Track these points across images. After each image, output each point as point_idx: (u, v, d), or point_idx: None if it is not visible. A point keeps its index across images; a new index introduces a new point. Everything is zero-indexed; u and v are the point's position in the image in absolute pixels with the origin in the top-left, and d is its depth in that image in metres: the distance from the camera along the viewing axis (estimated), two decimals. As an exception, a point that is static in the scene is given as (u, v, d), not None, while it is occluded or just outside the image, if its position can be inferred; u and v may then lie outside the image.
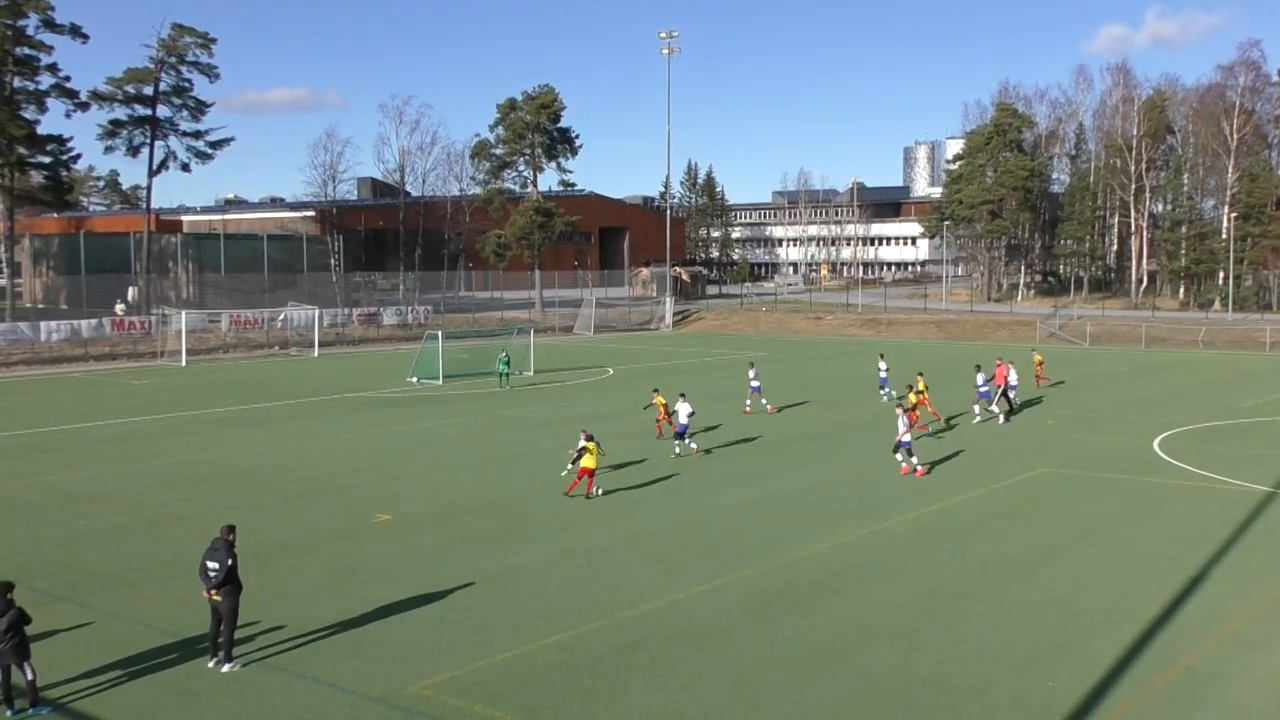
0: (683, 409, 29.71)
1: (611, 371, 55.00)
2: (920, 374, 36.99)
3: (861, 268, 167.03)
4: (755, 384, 38.63)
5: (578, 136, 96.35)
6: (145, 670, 14.66)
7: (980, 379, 37.12)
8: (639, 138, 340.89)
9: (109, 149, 77.67)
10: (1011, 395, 37.77)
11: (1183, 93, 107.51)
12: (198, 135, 78.69)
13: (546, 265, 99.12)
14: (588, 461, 24.74)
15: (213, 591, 14.52)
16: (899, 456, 27.65)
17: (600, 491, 25.15)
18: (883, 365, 42.38)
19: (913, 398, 32.43)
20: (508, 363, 47.57)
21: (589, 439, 24.90)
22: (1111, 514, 23.49)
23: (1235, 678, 14.33)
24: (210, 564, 14.58)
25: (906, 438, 27.45)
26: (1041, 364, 43.71)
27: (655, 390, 33.94)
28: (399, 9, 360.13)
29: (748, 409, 38.35)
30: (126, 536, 21.86)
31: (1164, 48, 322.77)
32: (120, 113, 75.69)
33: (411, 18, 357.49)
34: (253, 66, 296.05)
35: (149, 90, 75.38)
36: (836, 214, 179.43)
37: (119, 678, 14.42)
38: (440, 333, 53.46)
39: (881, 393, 41.87)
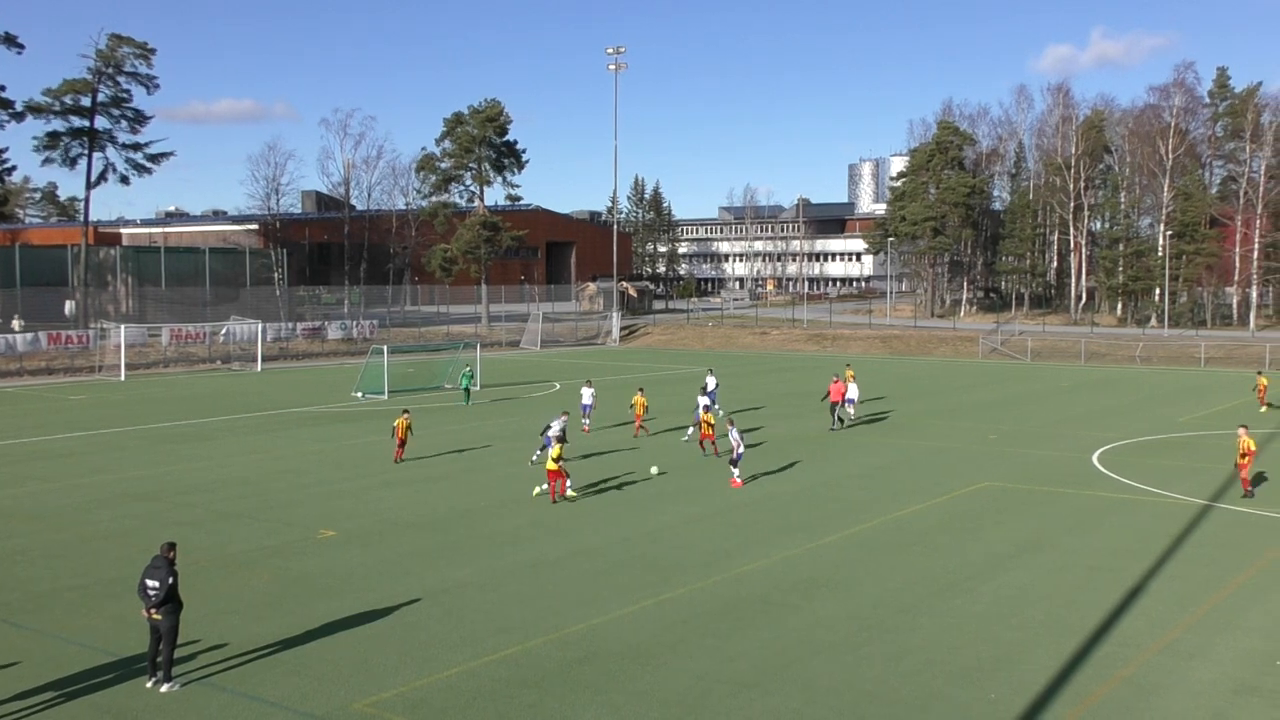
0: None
1: (559, 386, 54.86)
2: (641, 388, 38.68)
3: (807, 283, 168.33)
4: (586, 403, 38.08)
5: (524, 151, 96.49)
6: (81, 691, 14.36)
7: (703, 401, 35.88)
8: (586, 153, 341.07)
9: (46, 161, 76.42)
10: (845, 408, 39.21)
11: (1119, 113, 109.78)
12: (137, 147, 77.64)
13: (493, 280, 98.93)
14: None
15: (153, 610, 14.28)
16: (736, 471, 28.40)
17: (572, 494, 26.24)
18: (710, 380, 42.44)
19: (638, 408, 35.68)
20: (470, 377, 47.38)
21: (560, 440, 26.12)
22: (1052, 527, 23.81)
23: (1173, 688, 14.56)
24: (150, 582, 14.34)
25: (740, 450, 28.30)
26: (853, 377, 45.21)
27: (405, 411, 33.06)
28: (347, 21, 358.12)
29: (585, 428, 37.81)
30: (63, 554, 21.42)
31: (1109, 67, 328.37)
32: (57, 124, 74.64)
33: (360, 29, 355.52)
34: (200, 77, 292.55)
35: (87, 101, 74.27)
36: (782, 230, 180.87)
37: (54, 699, 14.10)
38: (385, 347, 53.09)
39: (715, 408, 41.95)
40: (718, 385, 42.26)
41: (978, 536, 22.96)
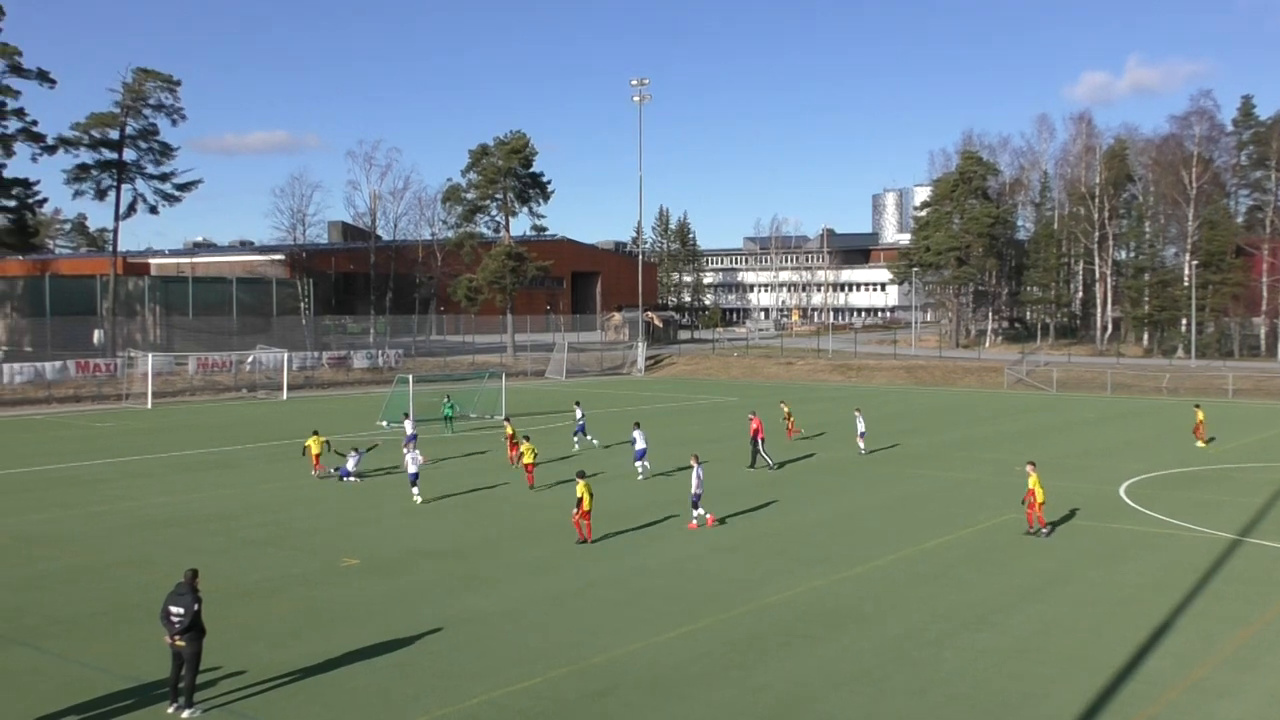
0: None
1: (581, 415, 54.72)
2: (506, 421, 38.37)
3: (832, 313, 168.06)
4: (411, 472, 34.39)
5: (550, 182, 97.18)
6: (103, 716, 14.38)
7: (638, 437, 34.49)
8: (611, 184, 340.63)
9: (77, 193, 77.35)
10: (761, 447, 36.91)
11: (1143, 142, 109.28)
12: (164, 178, 78.42)
13: (519, 309, 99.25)
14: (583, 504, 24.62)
15: (176, 637, 14.31)
16: (695, 513, 26.89)
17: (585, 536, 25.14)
18: (579, 412, 42.55)
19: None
20: (452, 408, 48.14)
21: (580, 476, 25.20)
22: (1079, 561, 23.56)
23: (1202, 724, 14.34)
24: (174, 609, 14.38)
25: (699, 490, 26.85)
26: (789, 416, 45.00)
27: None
28: (375, 53, 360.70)
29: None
30: (85, 580, 21.52)
31: (1145, 94, 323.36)
32: (86, 156, 75.50)
33: (390, 62, 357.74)
34: (233, 108, 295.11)
35: (115, 134, 75.20)
36: (807, 260, 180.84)
37: (76, 726, 14.14)
38: (411, 376, 53.27)
39: (574, 439, 41.91)
40: (584, 416, 42.81)
41: (1003, 569, 22.75)
